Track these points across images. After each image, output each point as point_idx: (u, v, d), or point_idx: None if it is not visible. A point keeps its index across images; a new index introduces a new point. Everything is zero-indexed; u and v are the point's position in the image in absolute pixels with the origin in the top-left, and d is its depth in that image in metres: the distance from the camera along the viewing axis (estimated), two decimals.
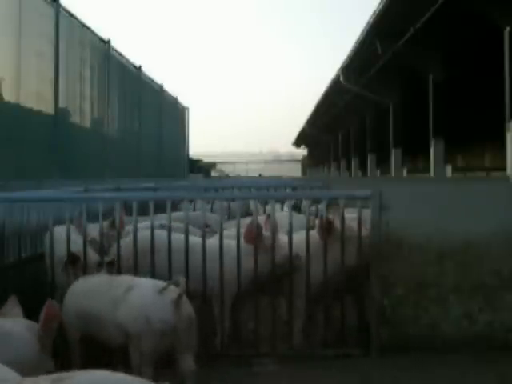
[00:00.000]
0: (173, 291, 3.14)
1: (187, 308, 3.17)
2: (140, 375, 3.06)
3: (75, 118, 10.90)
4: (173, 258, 4.09)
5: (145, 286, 3.28)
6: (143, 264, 4.06)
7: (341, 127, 36.62)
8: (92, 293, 3.40)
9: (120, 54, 13.82)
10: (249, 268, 4.07)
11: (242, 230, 4.16)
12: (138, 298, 3.17)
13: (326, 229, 4.16)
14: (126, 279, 3.47)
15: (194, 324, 3.19)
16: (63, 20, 9.68)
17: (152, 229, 4.16)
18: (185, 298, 3.17)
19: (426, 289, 4.17)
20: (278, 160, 72.41)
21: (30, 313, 4.03)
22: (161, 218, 4.76)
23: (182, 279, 3.17)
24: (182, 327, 3.09)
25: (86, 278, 3.61)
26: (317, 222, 4.32)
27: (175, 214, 4.83)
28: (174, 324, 3.07)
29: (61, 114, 9.70)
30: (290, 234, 4.14)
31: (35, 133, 8.73)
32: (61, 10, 9.49)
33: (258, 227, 4.11)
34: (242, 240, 4.14)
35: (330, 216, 4.29)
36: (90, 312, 3.33)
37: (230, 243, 4.16)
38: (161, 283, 3.26)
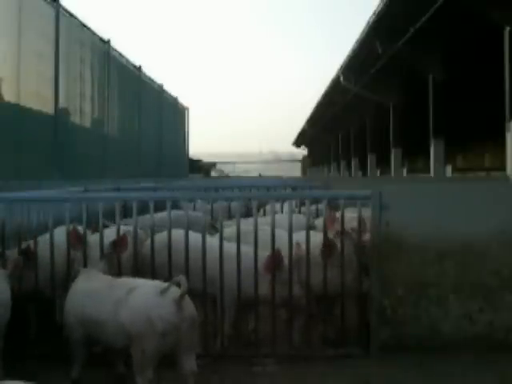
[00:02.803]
0: (175, 291, 3.11)
1: (189, 307, 3.14)
2: (141, 376, 3.06)
3: (75, 118, 10.91)
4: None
5: (146, 287, 3.25)
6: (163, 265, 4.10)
7: (341, 127, 36.56)
8: (94, 295, 3.36)
9: (120, 54, 13.83)
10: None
11: (242, 228, 4.19)
12: (140, 299, 3.14)
13: (328, 250, 4.14)
14: (128, 281, 3.45)
15: (196, 324, 3.17)
16: (63, 20, 9.69)
17: (152, 231, 4.17)
18: (187, 298, 3.15)
19: (426, 289, 4.17)
20: (277, 160, 72.39)
21: (29, 312, 4.03)
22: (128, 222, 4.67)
23: (183, 279, 3.13)
24: (184, 327, 3.07)
25: (88, 280, 3.55)
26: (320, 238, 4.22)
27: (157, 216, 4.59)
28: (177, 324, 3.05)
29: (61, 114, 9.71)
30: (289, 233, 4.14)
31: (35, 133, 8.74)
32: (61, 9, 9.51)
33: (279, 256, 4.06)
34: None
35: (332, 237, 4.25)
36: (92, 314, 3.30)
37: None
38: (163, 284, 3.23)
